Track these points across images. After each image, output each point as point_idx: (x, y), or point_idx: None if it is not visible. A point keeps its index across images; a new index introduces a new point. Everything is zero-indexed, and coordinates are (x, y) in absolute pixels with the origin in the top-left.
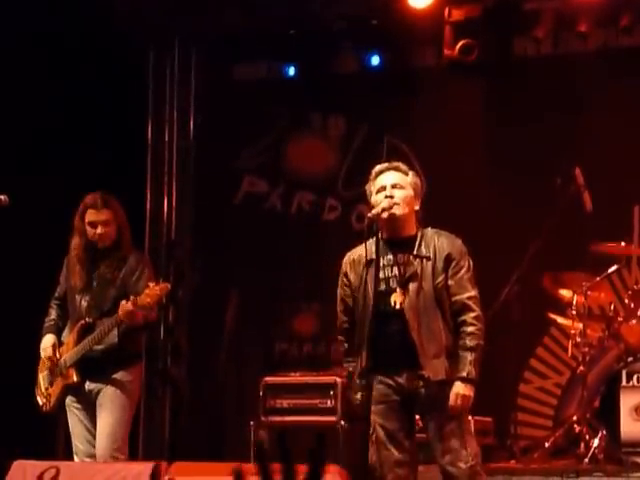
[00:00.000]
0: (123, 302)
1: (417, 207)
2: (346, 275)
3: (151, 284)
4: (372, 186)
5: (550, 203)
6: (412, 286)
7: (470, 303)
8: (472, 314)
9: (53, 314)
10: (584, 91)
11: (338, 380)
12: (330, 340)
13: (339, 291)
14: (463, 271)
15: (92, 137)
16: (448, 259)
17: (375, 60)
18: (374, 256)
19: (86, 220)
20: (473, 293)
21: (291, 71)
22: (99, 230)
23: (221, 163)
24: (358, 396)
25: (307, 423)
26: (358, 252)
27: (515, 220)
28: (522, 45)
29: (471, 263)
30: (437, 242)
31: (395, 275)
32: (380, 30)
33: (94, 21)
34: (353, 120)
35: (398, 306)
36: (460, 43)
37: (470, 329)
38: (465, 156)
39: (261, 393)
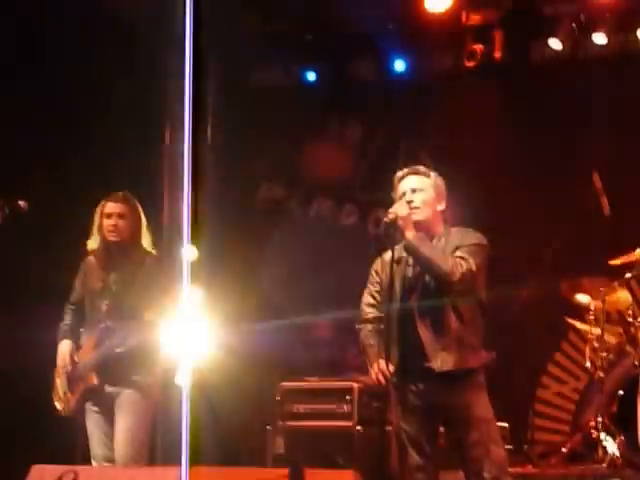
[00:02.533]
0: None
1: (441, 207)
2: (377, 273)
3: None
4: (395, 193)
5: (569, 208)
6: (420, 282)
7: (459, 259)
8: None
9: (68, 319)
10: (601, 96)
11: (355, 385)
12: (348, 345)
13: (368, 287)
14: (467, 249)
15: (108, 142)
16: (455, 250)
17: (391, 65)
18: (401, 255)
19: (104, 212)
20: (471, 262)
21: (311, 76)
22: (113, 221)
23: (238, 169)
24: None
25: (324, 428)
26: (390, 253)
27: (533, 225)
28: (540, 50)
29: (483, 257)
30: (452, 237)
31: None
32: (397, 34)
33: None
34: (370, 125)
35: (412, 304)
36: (478, 48)
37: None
38: (482, 161)
39: (278, 398)
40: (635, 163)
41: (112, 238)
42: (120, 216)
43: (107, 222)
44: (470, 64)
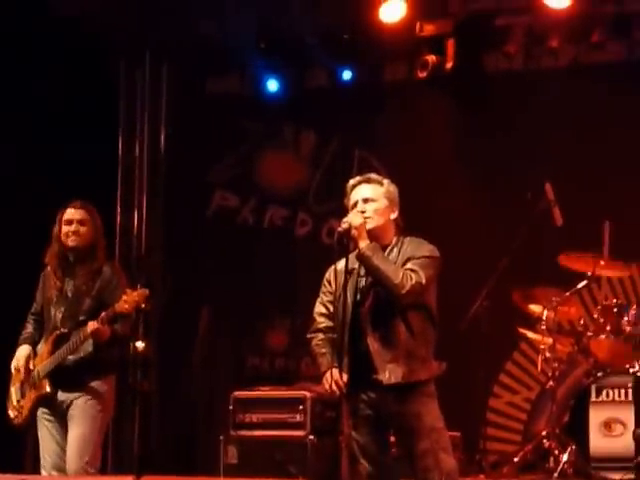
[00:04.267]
0: (90, 322)
1: (394, 215)
2: (329, 282)
3: (128, 290)
4: (348, 201)
5: (520, 218)
6: (371, 293)
7: (409, 272)
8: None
9: (29, 327)
10: (555, 106)
11: (308, 395)
12: (301, 355)
13: (321, 297)
14: (418, 262)
15: (61, 150)
16: (407, 262)
17: (347, 75)
18: (354, 266)
19: (63, 219)
20: (421, 274)
21: (271, 85)
22: (73, 227)
23: (192, 177)
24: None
25: (277, 437)
26: (342, 263)
27: (485, 235)
28: (493, 60)
29: (434, 269)
30: (405, 248)
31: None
32: (351, 44)
33: (64, 32)
34: (324, 134)
35: (362, 315)
36: (431, 58)
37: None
38: (435, 170)
39: (231, 407)
40: (587, 173)
41: (72, 243)
42: (80, 222)
43: (67, 228)
44: (423, 74)
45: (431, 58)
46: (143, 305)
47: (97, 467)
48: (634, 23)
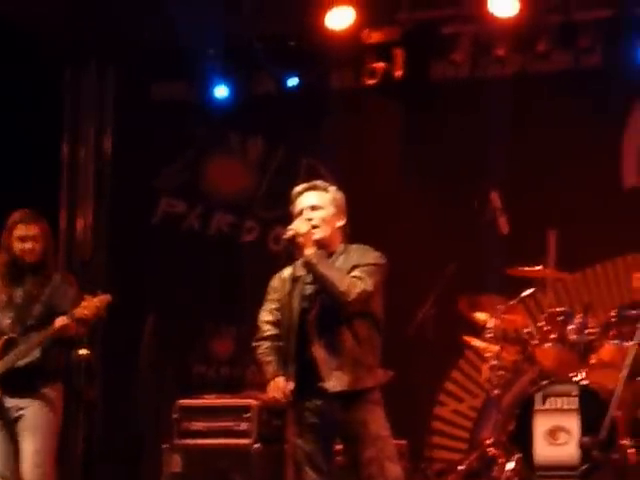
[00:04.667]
0: (60, 318)
1: (341, 223)
2: (275, 290)
3: (88, 297)
4: (293, 208)
5: (467, 226)
6: (317, 301)
7: (355, 279)
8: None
9: None
10: (501, 115)
11: (253, 403)
12: (247, 363)
13: (266, 304)
14: (364, 269)
15: (4, 155)
16: (353, 269)
17: (293, 81)
18: (300, 274)
19: (15, 235)
20: (367, 282)
21: (220, 91)
22: (28, 245)
23: (138, 183)
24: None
25: (222, 446)
26: (288, 270)
27: (431, 242)
28: (440, 69)
29: (380, 276)
30: (351, 255)
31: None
32: (298, 51)
33: (7, 36)
34: (271, 141)
35: (308, 322)
36: (378, 66)
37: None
38: (382, 178)
39: (176, 415)
40: (533, 182)
41: (28, 260)
42: (34, 239)
43: (22, 245)
44: (371, 82)
45: (379, 66)
46: (104, 312)
47: (53, 477)
48: (580, 32)
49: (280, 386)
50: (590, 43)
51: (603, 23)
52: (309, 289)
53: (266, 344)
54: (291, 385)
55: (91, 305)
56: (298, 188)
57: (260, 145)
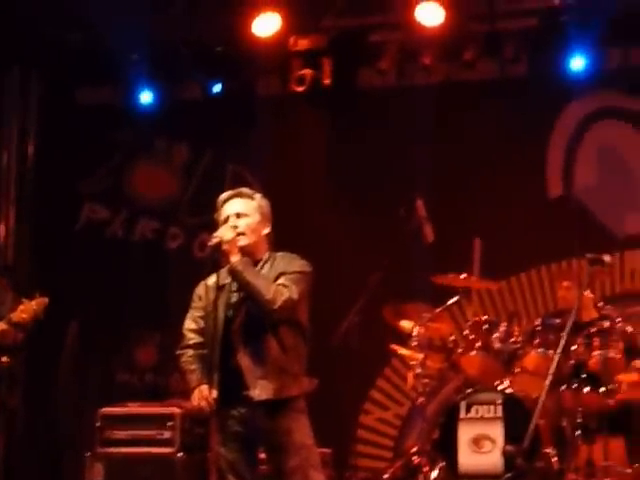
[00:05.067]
0: None
1: (267, 230)
2: (200, 298)
3: (25, 300)
4: (219, 215)
5: (392, 234)
6: (242, 309)
7: (281, 287)
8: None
9: None
10: (428, 123)
11: (177, 411)
12: (171, 371)
13: (191, 312)
14: (290, 277)
15: None
16: (279, 277)
17: (218, 88)
18: (226, 281)
19: None
20: (293, 289)
21: (145, 97)
22: None
23: (62, 188)
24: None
25: (145, 454)
26: (213, 278)
27: (357, 250)
28: (367, 76)
29: (306, 284)
30: (277, 263)
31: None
32: (224, 57)
33: None
34: (197, 147)
35: (233, 331)
36: (304, 73)
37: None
38: (308, 185)
39: (98, 424)
40: (459, 190)
41: None
42: None
43: None
44: (299, 89)
45: (308, 73)
46: (41, 314)
47: None
48: (505, 42)
49: (204, 394)
50: (515, 52)
51: (528, 33)
52: (234, 297)
53: (190, 352)
54: (215, 393)
55: (29, 308)
56: (223, 195)
57: (185, 151)
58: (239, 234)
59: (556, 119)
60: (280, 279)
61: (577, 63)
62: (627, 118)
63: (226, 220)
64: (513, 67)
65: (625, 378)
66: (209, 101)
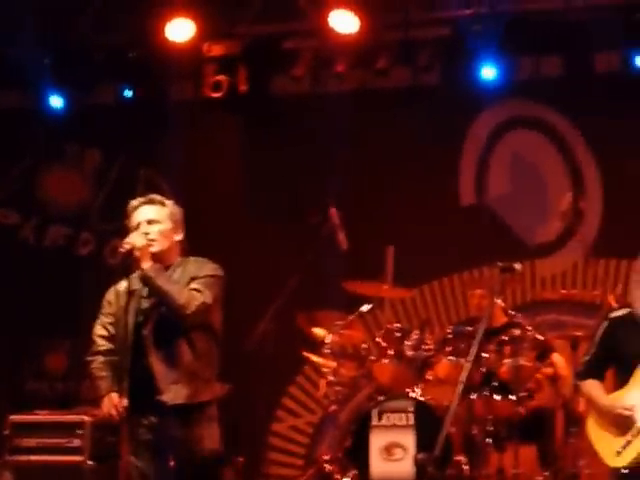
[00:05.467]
0: None
1: (178, 237)
2: (110, 304)
3: None
4: (130, 222)
5: (306, 242)
6: (154, 315)
7: (193, 292)
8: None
9: None
10: (341, 130)
11: (86, 419)
12: (81, 378)
13: (101, 318)
14: (202, 281)
15: None
16: (190, 282)
17: (130, 93)
18: (136, 287)
19: None
20: (206, 294)
21: (56, 101)
22: None
23: None
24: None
25: (54, 463)
26: (124, 284)
27: (271, 257)
28: (281, 83)
29: (219, 288)
30: (188, 268)
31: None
32: (137, 63)
33: None
34: (109, 152)
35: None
36: (218, 79)
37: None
38: (222, 191)
39: (7, 432)
40: (372, 198)
41: None
42: None
43: None
44: (216, 95)
45: (223, 79)
46: None
47: None
48: (419, 50)
49: (113, 402)
50: (428, 61)
51: (441, 41)
52: (145, 303)
53: (100, 359)
54: (125, 401)
55: None
56: (134, 202)
57: (97, 156)
58: (151, 241)
59: (469, 127)
60: (192, 284)
61: (488, 72)
62: (539, 127)
63: (137, 227)
64: (426, 75)
65: (535, 386)
66: (122, 106)
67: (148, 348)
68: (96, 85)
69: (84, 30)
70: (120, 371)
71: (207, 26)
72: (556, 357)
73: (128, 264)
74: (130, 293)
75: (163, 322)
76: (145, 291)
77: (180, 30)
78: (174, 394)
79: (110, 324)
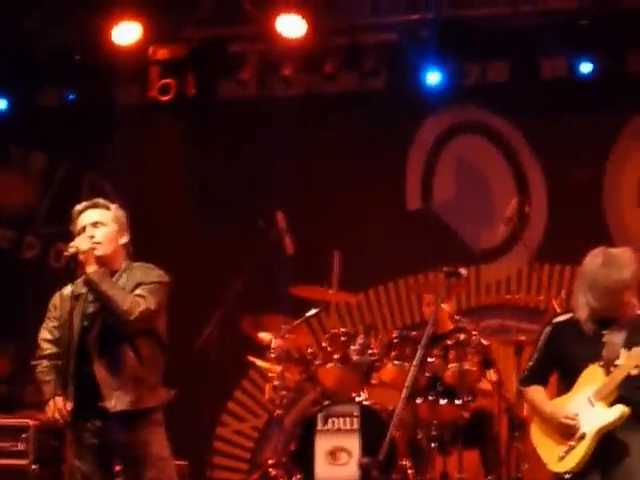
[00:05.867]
0: None
1: (124, 240)
2: (55, 308)
3: None
4: (74, 226)
5: (252, 246)
6: (98, 320)
7: (137, 298)
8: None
9: None
10: (287, 135)
11: (31, 423)
12: (26, 382)
13: (46, 322)
14: (147, 287)
15: None
16: (136, 287)
17: (76, 96)
18: (82, 291)
19: None
20: (150, 300)
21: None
22: None
23: None
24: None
25: None
26: (70, 288)
27: (217, 261)
28: (227, 87)
29: (163, 294)
30: (134, 273)
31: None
32: (83, 66)
33: None
34: (54, 155)
35: (89, 341)
36: (164, 83)
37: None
38: (168, 195)
39: None
40: (318, 203)
41: None
42: None
43: None
44: (164, 98)
45: (171, 83)
46: None
47: None
48: (365, 55)
49: (58, 406)
50: (375, 66)
51: (387, 46)
52: (91, 307)
53: (45, 363)
54: (69, 405)
55: None
56: (79, 206)
57: (42, 159)
58: (95, 243)
59: (415, 132)
60: (137, 290)
61: (434, 78)
62: (484, 132)
63: (82, 230)
64: (372, 80)
65: (480, 390)
66: (66, 109)
67: (92, 354)
68: (40, 87)
69: (28, 31)
70: (65, 375)
71: (153, 29)
72: None
73: (73, 268)
74: (76, 297)
75: (107, 328)
76: (90, 295)
77: (126, 33)
78: (117, 400)
79: (55, 328)
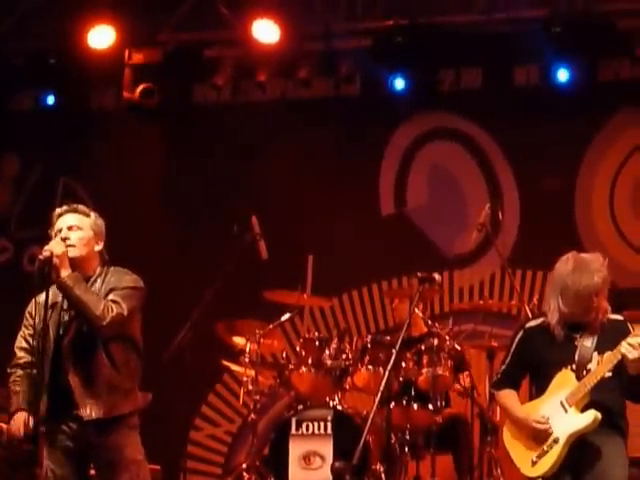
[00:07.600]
0: None
1: (99, 247)
2: (31, 315)
3: None
4: (52, 230)
5: (226, 250)
6: (73, 327)
7: (110, 303)
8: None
9: None
10: (262, 139)
11: (3, 426)
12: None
13: (22, 330)
14: (120, 292)
15: None
16: (109, 293)
17: (50, 100)
18: (57, 299)
19: None
20: (123, 305)
21: None
22: None
23: None
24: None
25: None
26: (44, 295)
27: (191, 266)
28: (202, 92)
29: (138, 300)
30: (108, 279)
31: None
32: (58, 69)
33: None
34: (28, 159)
35: (63, 349)
36: (139, 87)
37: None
38: (143, 200)
39: None
40: (293, 207)
41: None
42: None
43: None
44: (138, 102)
45: (146, 87)
46: None
47: None
48: (340, 61)
49: (17, 424)
50: (350, 72)
51: (362, 52)
52: (66, 315)
53: (19, 372)
54: (32, 422)
55: None
56: (59, 210)
57: (16, 163)
58: (69, 246)
59: (389, 138)
60: (110, 295)
61: (407, 84)
62: (458, 139)
63: (59, 233)
64: (347, 86)
65: (452, 395)
66: (41, 112)
67: (66, 362)
68: (15, 90)
69: (3, 35)
70: (39, 384)
71: (129, 33)
72: None
73: (46, 272)
74: (51, 306)
75: (81, 334)
76: (66, 304)
77: (101, 37)
78: (91, 408)
79: (31, 336)
